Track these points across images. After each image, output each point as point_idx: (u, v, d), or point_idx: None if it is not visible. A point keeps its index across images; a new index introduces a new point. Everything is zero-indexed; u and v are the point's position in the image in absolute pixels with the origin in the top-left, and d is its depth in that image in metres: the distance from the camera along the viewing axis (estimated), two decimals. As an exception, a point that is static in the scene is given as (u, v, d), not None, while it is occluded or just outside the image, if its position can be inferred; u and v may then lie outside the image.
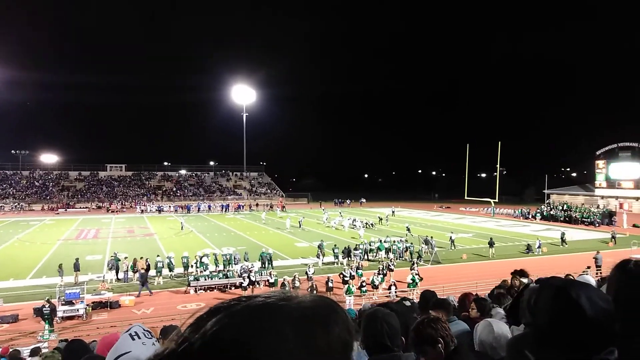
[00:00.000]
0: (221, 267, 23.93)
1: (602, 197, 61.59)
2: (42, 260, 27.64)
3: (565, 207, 55.16)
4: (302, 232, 40.45)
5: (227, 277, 22.10)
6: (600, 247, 29.93)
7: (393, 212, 58.00)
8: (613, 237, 34.73)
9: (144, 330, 1.67)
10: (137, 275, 22.58)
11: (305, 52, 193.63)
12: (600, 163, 62.11)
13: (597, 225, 46.14)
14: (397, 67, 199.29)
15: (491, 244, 29.93)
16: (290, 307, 0.61)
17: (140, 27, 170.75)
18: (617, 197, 60.04)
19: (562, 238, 33.54)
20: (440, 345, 2.69)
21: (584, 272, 19.18)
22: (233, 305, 0.62)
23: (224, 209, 65.45)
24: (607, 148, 61.22)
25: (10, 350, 10.30)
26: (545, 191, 70.03)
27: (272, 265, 24.51)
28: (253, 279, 21.15)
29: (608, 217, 48.22)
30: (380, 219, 47.76)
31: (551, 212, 53.87)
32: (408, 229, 38.45)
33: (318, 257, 26.60)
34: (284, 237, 38.05)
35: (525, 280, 5.91)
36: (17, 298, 19.80)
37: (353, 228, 41.34)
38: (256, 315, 0.59)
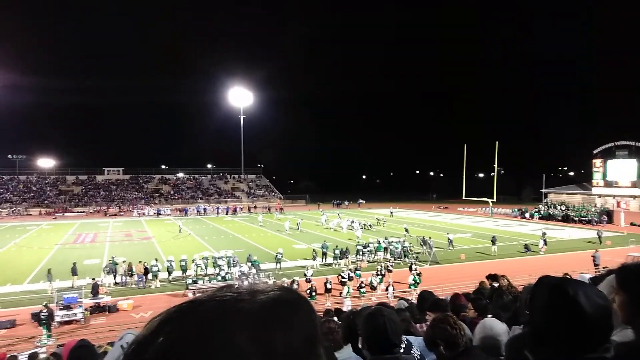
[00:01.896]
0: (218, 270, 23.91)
1: (600, 196, 61.73)
2: (39, 264, 27.49)
3: (563, 207, 55.29)
4: (300, 234, 40.40)
5: (225, 280, 22.06)
6: (595, 247, 29.95)
7: (391, 213, 58.06)
8: (599, 236, 33.70)
9: None
10: (134, 279, 22.52)
11: (302, 54, 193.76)
12: (597, 162, 62.21)
13: (594, 224, 46.24)
14: (394, 67, 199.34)
15: (494, 241, 29.95)
16: (246, 309, 0.56)
17: (137, 29, 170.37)
18: (614, 196, 60.16)
19: (543, 238, 31.06)
20: (441, 347, 2.66)
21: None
22: (185, 311, 0.57)
23: (219, 212, 64.83)
24: (604, 147, 61.31)
25: (8, 355, 10.25)
26: (543, 190, 70.15)
27: (280, 265, 25.57)
28: (251, 281, 21.13)
29: (604, 216, 48.37)
30: (378, 220, 47.78)
31: (549, 212, 53.98)
32: (406, 230, 38.46)
33: (314, 259, 26.58)
34: (282, 239, 37.95)
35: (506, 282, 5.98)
36: (14, 303, 19.72)
37: (351, 229, 41.33)
38: (208, 325, 0.54)
